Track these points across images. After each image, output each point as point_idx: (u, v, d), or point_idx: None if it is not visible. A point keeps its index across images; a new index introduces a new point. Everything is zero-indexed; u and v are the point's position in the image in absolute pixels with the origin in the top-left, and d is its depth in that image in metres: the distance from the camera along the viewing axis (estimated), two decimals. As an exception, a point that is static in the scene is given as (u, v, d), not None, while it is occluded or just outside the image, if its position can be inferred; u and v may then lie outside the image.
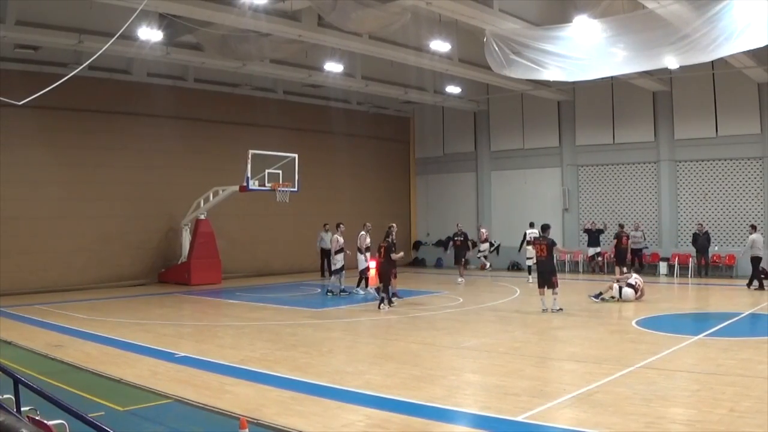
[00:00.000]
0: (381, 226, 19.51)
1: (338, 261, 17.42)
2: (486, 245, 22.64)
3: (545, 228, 14.67)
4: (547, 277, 14.03)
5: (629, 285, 15.55)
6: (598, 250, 23.35)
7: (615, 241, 19.88)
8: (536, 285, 14.52)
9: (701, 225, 21.26)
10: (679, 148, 22.87)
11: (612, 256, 20.89)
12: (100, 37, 15.02)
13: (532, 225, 20.33)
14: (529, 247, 19.70)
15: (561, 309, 13.87)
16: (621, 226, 20.52)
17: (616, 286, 15.56)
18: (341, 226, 17.91)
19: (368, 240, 18.09)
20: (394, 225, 16.59)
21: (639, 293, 15.55)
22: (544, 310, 13.88)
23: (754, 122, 21.22)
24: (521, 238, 21.05)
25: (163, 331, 12.50)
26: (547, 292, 14.05)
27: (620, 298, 15.38)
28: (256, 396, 7.61)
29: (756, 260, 17.68)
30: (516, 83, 21.72)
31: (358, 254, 18.13)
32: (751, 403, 6.82)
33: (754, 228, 18.35)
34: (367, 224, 18.56)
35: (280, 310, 15.39)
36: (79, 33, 16.33)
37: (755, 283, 17.56)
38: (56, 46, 17.04)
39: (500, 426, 6.43)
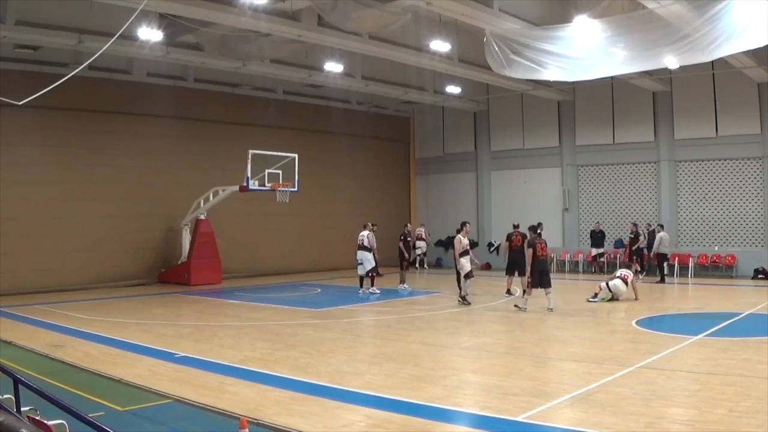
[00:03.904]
0: (381, 226, 19.52)
1: (465, 265, 15.33)
2: (423, 243, 25.39)
3: (537, 227, 14.83)
4: (546, 277, 14.11)
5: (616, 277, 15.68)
6: (601, 250, 23.52)
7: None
8: (537, 285, 14.54)
9: (635, 225, 21.65)
10: (679, 148, 22.86)
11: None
12: (100, 37, 15.02)
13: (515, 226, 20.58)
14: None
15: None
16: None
17: (603, 284, 15.62)
18: (467, 224, 16.06)
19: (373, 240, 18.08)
20: (542, 223, 16.30)
21: (629, 285, 15.57)
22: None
23: (754, 122, 21.22)
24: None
25: (162, 331, 12.50)
26: (541, 291, 14.19)
27: (612, 293, 15.40)
28: (256, 396, 7.61)
29: (661, 257, 19.90)
30: (516, 83, 21.72)
31: (367, 254, 18.10)
32: (751, 403, 6.82)
33: (661, 227, 20.50)
34: (370, 224, 18.49)
35: (280, 310, 15.38)
36: (79, 33, 16.31)
37: (657, 276, 19.81)
38: (56, 46, 17.01)
39: (500, 426, 6.43)
